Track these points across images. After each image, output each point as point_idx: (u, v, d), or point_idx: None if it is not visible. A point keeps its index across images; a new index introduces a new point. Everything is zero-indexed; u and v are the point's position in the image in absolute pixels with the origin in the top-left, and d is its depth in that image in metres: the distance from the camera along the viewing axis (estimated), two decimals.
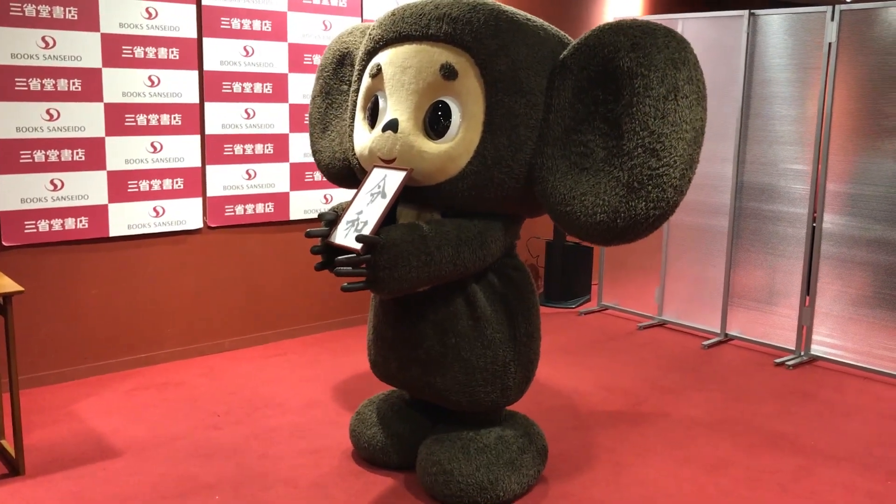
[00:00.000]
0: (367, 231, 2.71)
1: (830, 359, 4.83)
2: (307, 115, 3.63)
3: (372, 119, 3.10)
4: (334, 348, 4.94)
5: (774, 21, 4.90)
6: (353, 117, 3.25)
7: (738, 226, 5.19)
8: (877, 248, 4.59)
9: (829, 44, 4.64)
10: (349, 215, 2.87)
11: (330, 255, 2.88)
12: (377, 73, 3.04)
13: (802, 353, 4.92)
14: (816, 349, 4.90)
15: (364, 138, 3.10)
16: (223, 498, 3.09)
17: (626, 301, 5.92)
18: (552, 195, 2.76)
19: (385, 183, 2.85)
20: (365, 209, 2.83)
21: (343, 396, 4.15)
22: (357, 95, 3.22)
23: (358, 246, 2.68)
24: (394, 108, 2.97)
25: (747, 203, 5.13)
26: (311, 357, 4.78)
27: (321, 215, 2.92)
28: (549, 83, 2.81)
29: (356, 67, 3.26)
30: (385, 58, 3.02)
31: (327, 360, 4.73)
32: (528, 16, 2.90)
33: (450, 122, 2.85)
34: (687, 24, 5.29)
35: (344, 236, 2.81)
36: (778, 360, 4.87)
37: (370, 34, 3.14)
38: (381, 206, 2.78)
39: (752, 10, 4.98)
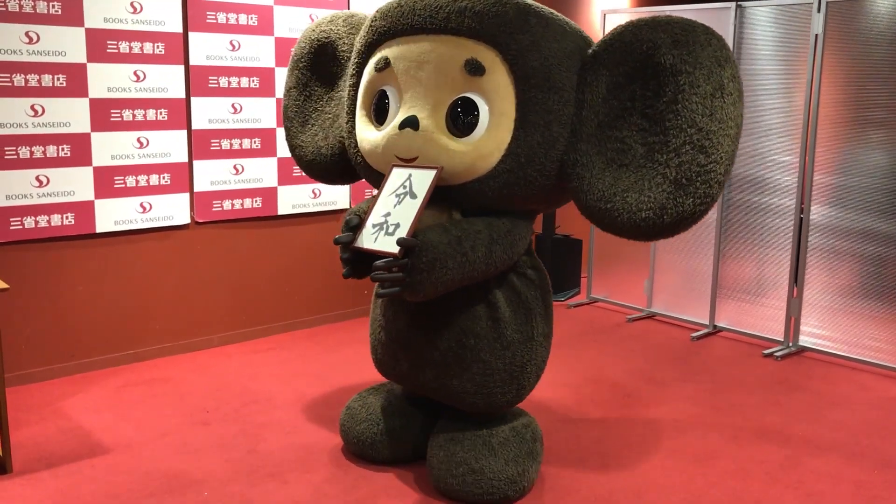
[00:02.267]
0: (401, 233, 2.66)
1: (818, 349, 4.85)
2: (283, 108, 3.58)
3: (378, 115, 3.01)
4: (324, 343, 4.94)
5: (761, 13, 4.91)
6: (351, 112, 3.15)
7: (726, 218, 5.20)
8: (864, 239, 4.61)
9: (816, 35, 4.65)
10: (374, 218, 2.80)
11: (356, 260, 2.83)
12: (384, 66, 2.93)
13: (791, 344, 4.94)
14: (804, 340, 4.92)
15: (372, 135, 3.00)
16: (212, 494, 3.09)
17: (615, 293, 5.93)
18: (589, 192, 2.72)
19: (411, 183, 2.77)
20: (393, 211, 2.75)
21: (333, 391, 4.14)
22: (355, 90, 3.11)
23: (391, 249, 2.64)
24: (410, 104, 2.87)
25: (735, 195, 5.14)
26: (300, 352, 4.77)
27: (347, 220, 2.85)
28: (579, 78, 2.77)
29: (353, 60, 3.14)
30: (394, 51, 2.91)
31: (317, 355, 4.73)
32: (551, 10, 2.84)
33: (474, 119, 2.77)
34: (673, 16, 5.28)
35: (374, 240, 2.74)
36: (766, 352, 4.89)
37: (372, 26, 3.01)
38: (412, 206, 2.70)
39: (739, 2, 4.99)
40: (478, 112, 2.78)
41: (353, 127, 3.14)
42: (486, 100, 2.76)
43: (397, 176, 2.84)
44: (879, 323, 4.61)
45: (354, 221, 2.84)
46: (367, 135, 3.03)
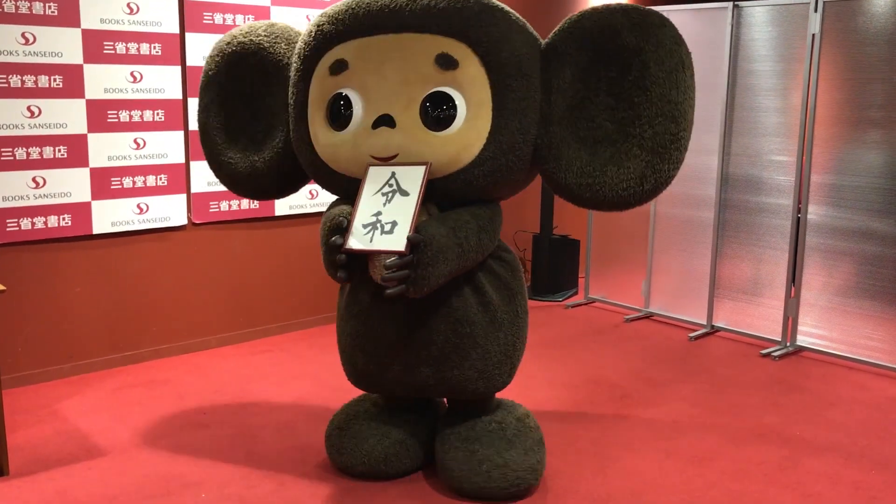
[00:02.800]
0: (401, 231, 2.70)
1: (816, 349, 4.86)
2: (200, 126, 3.41)
3: (333, 119, 2.94)
4: (321, 344, 4.93)
5: (758, 13, 4.91)
6: (301, 119, 3.04)
7: (723, 218, 5.20)
8: (861, 239, 4.61)
9: (813, 35, 4.65)
10: (363, 218, 2.79)
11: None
12: (341, 69, 2.90)
13: (788, 344, 4.94)
14: (802, 340, 4.92)
15: (334, 139, 2.95)
16: (209, 496, 3.08)
17: (612, 294, 5.93)
18: (569, 170, 2.88)
19: (398, 180, 2.79)
20: (383, 210, 2.76)
21: (330, 393, 4.14)
22: (304, 96, 3.02)
23: (396, 247, 2.67)
24: (377, 103, 2.87)
25: (732, 195, 5.14)
26: (297, 353, 4.77)
27: (337, 222, 2.81)
28: (542, 65, 2.90)
29: (297, 66, 3.04)
30: (351, 52, 2.88)
31: (314, 356, 4.72)
32: (505, 5, 2.96)
33: (448, 111, 2.81)
34: (671, 17, 5.23)
35: (369, 240, 2.74)
36: (764, 351, 4.89)
37: (320, 30, 2.94)
38: (407, 203, 2.73)
39: (736, 2, 4.99)
40: (451, 105, 2.82)
41: (305, 134, 3.04)
42: (462, 92, 2.81)
43: (378, 175, 2.84)
44: (877, 322, 4.61)
45: (346, 223, 2.82)
46: (329, 139, 2.96)
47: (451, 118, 2.82)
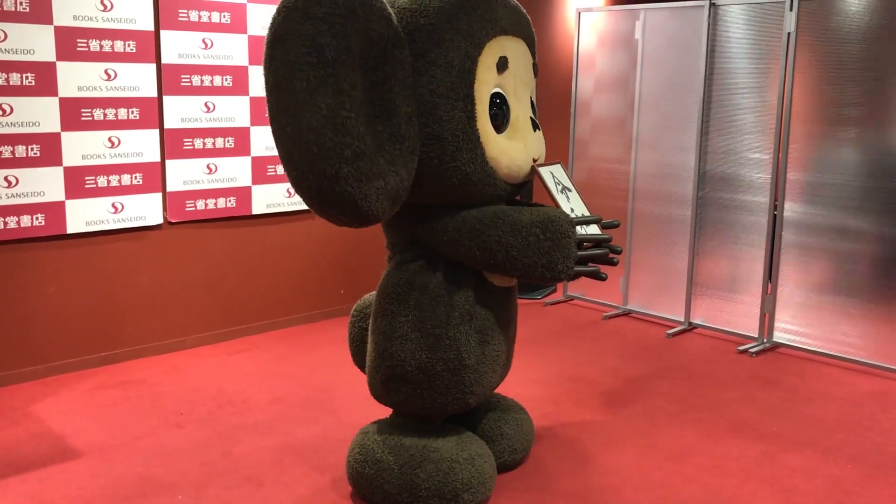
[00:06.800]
0: (592, 221, 2.93)
1: (792, 345, 4.89)
2: (336, 124, 2.33)
3: (501, 119, 2.81)
4: (298, 344, 4.90)
5: (734, 11, 4.94)
6: (471, 119, 2.69)
7: (700, 215, 5.23)
8: (836, 236, 4.65)
9: (788, 33, 4.68)
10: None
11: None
12: (505, 66, 2.78)
13: (765, 341, 4.97)
14: (779, 336, 4.96)
15: (510, 143, 2.83)
16: (185, 498, 3.05)
17: (591, 291, 5.94)
18: None
19: (556, 178, 2.98)
20: (570, 205, 2.95)
21: (308, 393, 4.11)
22: (471, 90, 2.69)
23: (603, 235, 2.89)
24: (519, 103, 2.89)
25: (709, 192, 5.17)
26: (274, 353, 4.74)
27: (595, 220, 2.93)
28: None
29: (462, 52, 2.63)
30: (507, 49, 2.79)
31: (292, 356, 4.69)
32: None
33: (535, 115, 3.03)
34: (648, 15, 5.31)
35: (587, 231, 2.89)
36: (741, 348, 4.92)
37: (482, 13, 2.69)
38: (577, 197, 3.02)
39: (713, 1, 5.01)
40: (535, 108, 3.01)
41: (475, 136, 2.71)
42: (534, 97, 3.01)
43: (547, 175, 2.97)
44: (852, 319, 4.66)
45: (585, 221, 2.90)
46: (504, 142, 2.82)
47: (537, 121, 3.01)
